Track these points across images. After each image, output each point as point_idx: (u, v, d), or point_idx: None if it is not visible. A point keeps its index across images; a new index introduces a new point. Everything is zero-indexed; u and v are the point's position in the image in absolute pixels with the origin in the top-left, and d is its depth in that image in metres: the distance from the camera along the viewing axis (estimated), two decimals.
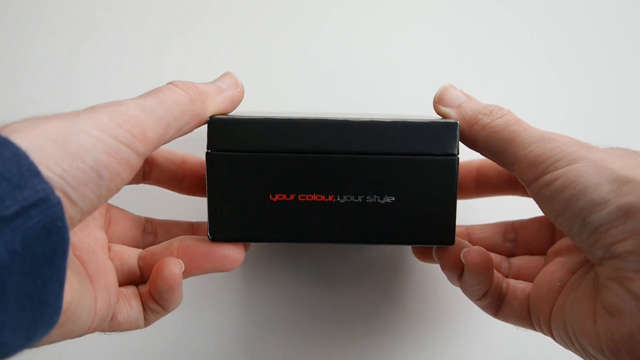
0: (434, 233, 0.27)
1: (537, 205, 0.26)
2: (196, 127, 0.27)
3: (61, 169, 0.20)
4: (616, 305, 0.22)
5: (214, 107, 0.27)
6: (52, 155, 0.20)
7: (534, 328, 0.28)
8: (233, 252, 0.28)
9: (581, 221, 0.23)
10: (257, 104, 0.37)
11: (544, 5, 0.38)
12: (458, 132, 0.27)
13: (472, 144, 0.28)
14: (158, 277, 0.27)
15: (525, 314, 0.29)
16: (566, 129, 0.38)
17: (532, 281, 0.29)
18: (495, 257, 0.31)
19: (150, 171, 0.31)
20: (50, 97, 0.37)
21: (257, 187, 0.27)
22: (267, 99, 0.38)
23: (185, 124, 0.26)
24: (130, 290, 0.28)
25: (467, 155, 0.31)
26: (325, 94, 0.38)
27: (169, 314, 0.28)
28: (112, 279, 0.27)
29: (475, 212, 0.37)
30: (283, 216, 0.27)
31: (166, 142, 0.25)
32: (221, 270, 0.28)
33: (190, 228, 0.32)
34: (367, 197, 0.27)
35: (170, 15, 0.38)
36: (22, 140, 0.20)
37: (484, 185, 0.33)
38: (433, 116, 0.30)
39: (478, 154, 0.29)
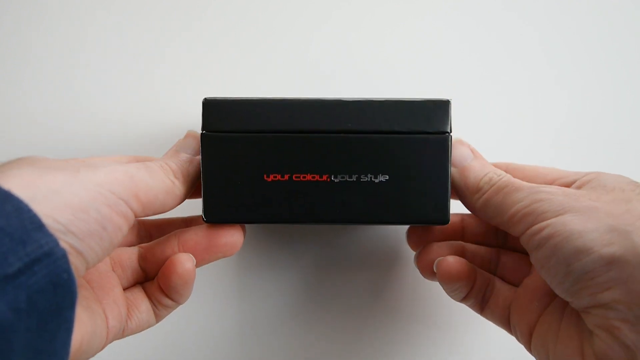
0: (428, 212, 0.27)
1: None
2: (175, 207, 0.27)
3: (67, 220, 0.20)
4: (607, 354, 0.22)
5: (189, 183, 0.28)
6: (57, 206, 0.20)
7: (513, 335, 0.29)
8: (232, 238, 0.28)
9: (565, 268, 0.23)
10: None
11: (544, 5, 0.38)
12: (450, 110, 0.27)
13: (471, 209, 0.29)
14: (173, 274, 0.27)
15: (505, 322, 0.29)
16: (566, 129, 0.38)
17: (517, 283, 0.30)
18: (485, 252, 0.32)
19: None
20: (50, 97, 0.37)
21: (252, 167, 0.27)
22: None
23: (169, 203, 0.26)
24: (136, 294, 0.28)
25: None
26: (324, 94, 0.38)
27: None
28: (118, 291, 0.27)
29: None
30: (277, 196, 0.27)
31: (147, 216, 0.26)
32: (224, 257, 0.29)
33: (184, 224, 0.32)
34: (362, 176, 0.27)
35: (170, 15, 0.38)
36: (27, 190, 0.20)
37: (469, 235, 0.33)
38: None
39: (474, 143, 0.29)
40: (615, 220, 0.23)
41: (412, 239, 0.33)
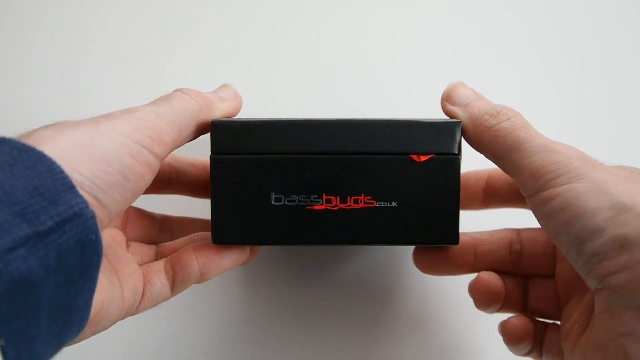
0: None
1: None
2: (202, 134, 0.28)
3: (91, 173, 0.21)
4: (602, 341, 0.22)
5: (218, 115, 0.28)
6: (82, 160, 0.21)
7: None
8: (237, 257, 0.28)
9: (576, 247, 0.22)
10: (260, 107, 0.38)
11: (545, 6, 0.38)
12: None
13: (477, 146, 0.27)
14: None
15: None
16: (565, 130, 0.38)
17: (551, 307, 0.30)
18: (519, 283, 0.31)
19: (178, 178, 0.32)
20: (50, 97, 0.38)
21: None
22: (268, 101, 0.38)
23: (194, 130, 0.27)
24: (151, 268, 0.28)
25: (475, 164, 0.31)
26: (325, 95, 0.38)
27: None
28: (134, 266, 0.27)
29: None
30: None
31: (177, 147, 0.26)
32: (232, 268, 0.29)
33: (207, 225, 0.32)
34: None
35: (171, 15, 0.38)
36: (52, 146, 0.20)
37: (493, 197, 0.32)
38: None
39: (487, 164, 0.28)
40: (630, 199, 0.21)
41: (420, 259, 0.31)
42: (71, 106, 0.38)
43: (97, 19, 0.37)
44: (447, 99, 0.29)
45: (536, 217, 0.24)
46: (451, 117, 0.28)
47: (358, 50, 0.38)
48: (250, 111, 0.37)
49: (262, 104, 0.38)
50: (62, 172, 0.19)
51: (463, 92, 0.28)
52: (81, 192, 0.20)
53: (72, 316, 0.20)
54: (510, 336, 0.30)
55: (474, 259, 0.31)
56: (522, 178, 0.24)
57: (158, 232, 0.32)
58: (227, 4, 0.38)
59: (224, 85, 0.31)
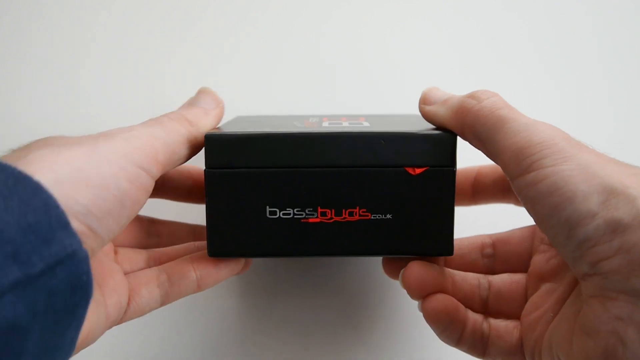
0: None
1: (519, 216, 0.25)
2: (194, 155, 0.28)
3: (87, 200, 0.20)
4: (593, 326, 0.21)
5: (204, 130, 0.28)
6: (79, 187, 0.20)
7: None
8: (233, 267, 0.29)
9: (567, 232, 0.21)
10: (260, 107, 0.38)
11: (545, 6, 0.38)
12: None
13: (460, 131, 0.27)
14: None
15: (515, 351, 0.28)
16: (565, 130, 0.38)
17: (514, 305, 0.29)
18: (472, 278, 0.30)
19: (164, 184, 0.32)
20: (51, 97, 0.38)
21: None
22: (268, 101, 0.38)
23: (185, 153, 0.27)
24: (140, 278, 0.28)
25: (464, 162, 0.31)
26: (325, 95, 0.38)
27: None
28: (119, 278, 0.27)
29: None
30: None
31: (169, 169, 0.26)
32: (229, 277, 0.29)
33: (194, 230, 0.33)
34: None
35: (171, 15, 0.38)
36: (49, 171, 0.20)
37: (481, 193, 0.32)
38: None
39: (476, 162, 0.28)
40: (619, 182, 0.21)
41: (388, 266, 0.31)
42: (71, 106, 0.38)
43: (97, 19, 0.38)
44: (424, 102, 0.29)
45: (521, 199, 0.23)
46: (431, 120, 0.28)
47: (358, 50, 0.38)
48: (250, 111, 0.37)
49: (262, 103, 0.38)
50: (57, 207, 0.19)
51: (438, 93, 0.29)
52: (75, 223, 0.19)
53: (56, 354, 0.20)
54: (428, 312, 0.28)
55: (444, 264, 0.31)
56: (505, 159, 0.24)
57: (146, 235, 0.32)
58: (227, 4, 0.38)
59: (203, 92, 0.30)
